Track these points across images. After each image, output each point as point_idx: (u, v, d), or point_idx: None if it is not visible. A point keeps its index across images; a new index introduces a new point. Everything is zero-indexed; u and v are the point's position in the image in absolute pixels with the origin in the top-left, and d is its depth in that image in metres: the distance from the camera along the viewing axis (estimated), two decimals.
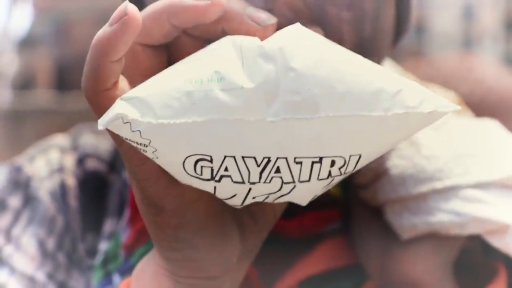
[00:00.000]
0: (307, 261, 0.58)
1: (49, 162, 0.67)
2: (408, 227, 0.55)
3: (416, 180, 0.55)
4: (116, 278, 0.60)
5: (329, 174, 0.43)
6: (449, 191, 0.54)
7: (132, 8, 0.40)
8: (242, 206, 0.46)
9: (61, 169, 0.66)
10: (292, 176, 0.43)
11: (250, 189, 0.43)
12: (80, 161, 0.67)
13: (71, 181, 0.66)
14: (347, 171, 0.44)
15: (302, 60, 0.40)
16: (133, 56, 0.46)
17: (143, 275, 0.50)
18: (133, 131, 0.40)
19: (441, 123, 0.58)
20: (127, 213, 0.62)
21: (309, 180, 0.43)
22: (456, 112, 0.63)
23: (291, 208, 0.56)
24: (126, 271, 0.59)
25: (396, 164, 0.56)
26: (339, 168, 0.43)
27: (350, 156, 0.43)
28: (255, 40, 0.42)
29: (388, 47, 0.57)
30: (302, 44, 0.41)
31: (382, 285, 0.56)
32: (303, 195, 0.45)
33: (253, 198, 0.44)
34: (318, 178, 0.43)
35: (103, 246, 0.63)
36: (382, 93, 0.41)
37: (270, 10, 0.49)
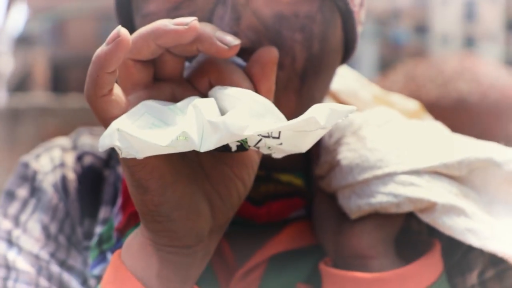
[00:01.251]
0: (276, 241, 0.69)
1: (52, 159, 0.79)
2: (355, 208, 0.66)
3: (361, 168, 0.66)
4: (109, 256, 0.71)
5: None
6: (387, 177, 0.66)
7: (124, 31, 0.53)
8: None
9: (62, 165, 0.78)
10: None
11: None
12: (79, 158, 0.79)
13: (71, 175, 0.78)
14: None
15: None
16: (126, 69, 0.57)
17: (131, 245, 0.61)
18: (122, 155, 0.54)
19: (385, 121, 0.70)
20: (119, 202, 0.74)
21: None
22: (415, 115, 0.79)
23: (262, 198, 0.71)
24: (116, 249, 0.70)
25: (346, 156, 0.67)
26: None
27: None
28: (211, 109, 0.54)
29: (336, 64, 0.69)
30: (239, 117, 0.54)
31: (336, 259, 0.67)
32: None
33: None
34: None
35: (98, 229, 0.74)
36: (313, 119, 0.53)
37: (235, 33, 0.61)
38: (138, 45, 0.57)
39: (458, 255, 0.72)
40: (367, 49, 52.13)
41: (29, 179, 0.78)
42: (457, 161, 0.67)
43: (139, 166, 0.57)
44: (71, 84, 36.10)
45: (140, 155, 0.53)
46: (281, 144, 0.53)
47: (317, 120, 0.51)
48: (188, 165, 0.60)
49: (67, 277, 0.74)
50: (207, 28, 0.58)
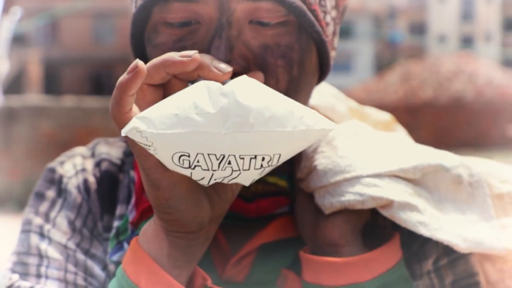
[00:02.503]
0: (264, 233, 0.85)
1: (75, 166, 0.94)
2: (328, 205, 0.81)
3: (333, 172, 0.82)
4: (126, 245, 0.88)
5: (261, 166, 0.71)
6: (355, 180, 0.81)
7: (141, 63, 0.70)
8: (208, 185, 0.74)
9: (83, 170, 0.93)
10: (238, 167, 0.71)
11: (212, 174, 0.71)
12: (97, 164, 0.95)
13: (91, 179, 0.93)
14: (273, 164, 0.72)
15: (244, 97, 0.69)
16: (141, 91, 0.74)
17: (147, 232, 0.77)
18: (142, 137, 0.69)
19: (354, 133, 0.85)
20: (132, 201, 0.90)
21: (249, 169, 0.71)
22: (387, 126, 0.96)
23: (251, 196, 0.87)
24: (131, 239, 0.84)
25: (321, 162, 0.83)
26: (268, 162, 0.71)
27: (273, 155, 0.71)
28: (218, 84, 0.70)
29: (313, 83, 0.87)
30: (245, 88, 0.69)
31: (313, 247, 0.82)
32: (246, 179, 0.72)
33: (215, 180, 0.72)
34: (254, 168, 0.71)
35: (116, 224, 0.90)
36: (292, 117, 0.70)
37: (229, 60, 0.78)
38: (151, 73, 0.74)
39: (416, 246, 0.87)
40: (363, 49, 52.23)
41: (56, 182, 0.93)
42: (412, 166, 0.82)
43: (153, 168, 0.73)
44: (64, 83, 36.12)
45: (159, 127, 0.68)
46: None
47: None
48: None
49: (90, 263, 0.88)
50: (205, 58, 0.75)
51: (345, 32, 47.89)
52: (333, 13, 0.86)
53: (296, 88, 0.82)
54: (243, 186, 0.81)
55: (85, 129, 12.74)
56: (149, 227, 0.77)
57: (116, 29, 36.13)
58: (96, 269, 0.89)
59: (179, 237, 0.76)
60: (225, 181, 0.73)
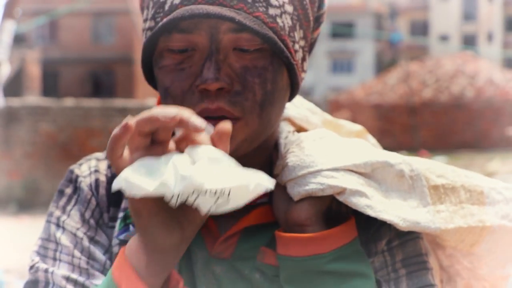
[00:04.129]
0: (247, 218, 1.07)
1: (90, 167, 1.17)
2: (296, 194, 1.03)
3: (300, 167, 1.03)
4: (131, 227, 1.10)
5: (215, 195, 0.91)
6: (317, 173, 1.02)
7: (130, 121, 0.90)
8: (176, 205, 0.93)
9: (96, 171, 1.16)
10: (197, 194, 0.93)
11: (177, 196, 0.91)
12: (109, 166, 1.17)
13: (102, 178, 1.16)
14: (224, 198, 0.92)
15: (200, 173, 0.89)
16: (131, 138, 0.92)
17: (131, 245, 0.98)
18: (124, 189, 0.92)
19: (319, 137, 1.08)
20: None
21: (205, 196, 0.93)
22: (359, 134, 1.20)
23: None
24: None
25: (291, 160, 1.05)
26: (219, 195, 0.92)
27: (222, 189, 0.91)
28: (184, 164, 0.90)
29: (286, 98, 1.09)
30: (206, 162, 0.91)
31: (285, 227, 1.04)
32: (204, 204, 0.93)
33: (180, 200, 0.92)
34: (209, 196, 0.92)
35: (120, 214, 1.13)
36: (245, 180, 0.90)
37: (217, 78, 1.00)
38: (140, 126, 0.91)
39: (373, 229, 1.09)
40: (365, 49, 52.16)
41: (73, 181, 1.16)
42: (363, 162, 1.03)
43: (135, 200, 0.94)
44: (63, 82, 36.11)
45: (138, 195, 0.90)
46: (218, 200, 0.91)
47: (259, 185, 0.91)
48: (166, 202, 0.94)
49: (93, 249, 1.11)
50: (185, 114, 0.91)
51: (347, 32, 47.81)
52: (302, 43, 1.09)
53: (270, 100, 1.04)
54: None
55: (84, 130, 12.74)
56: (133, 241, 0.98)
57: (115, 29, 36.13)
58: (98, 253, 1.11)
59: (155, 252, 0.96)
60: (189, 202, 0.92)
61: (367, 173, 1.03)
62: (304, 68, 1.11)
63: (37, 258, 1.10)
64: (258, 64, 1.02)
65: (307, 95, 30.40)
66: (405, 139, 20.59)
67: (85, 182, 1.14)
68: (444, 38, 51.73)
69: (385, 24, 54.02)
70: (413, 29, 53.82)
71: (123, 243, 1.10)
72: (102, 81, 35.68)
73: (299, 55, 1.08)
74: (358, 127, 1.20)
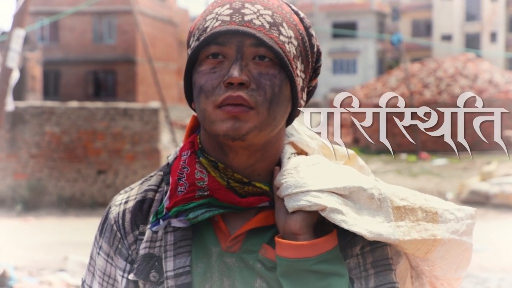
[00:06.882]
0: (252, 221, 1.37)
1: (122, 198, 1.45)
2: (290, 206, 1.32)
3: (295, 186, 1.33)
4: (161, 222, 1.37)
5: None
6: (306, 192, 1.32)
7: None
8: None
9: (126, 202, 1.44)
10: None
11: None
12: (141, 189, 1.46)
13: (130, 204, 1.44)
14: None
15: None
16: None
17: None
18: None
19: (313, 164, 1.37)
20: (168, 193, 1.39)
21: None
22: (350, 158, 1.49)
23: (244, 194, 1.37)
24: (165, 218, 1.36)
25: (288, 180, 1.34)
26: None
27: None
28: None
29: (288, 107, 1.37)
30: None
31: (283, 234, 1.33)
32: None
33: None
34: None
35: (147, 228, 1.40)
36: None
37: (239, 75, 1.31)
38: None
39: (350, 237, 1.36)
40: (367, 48, 51.94)
41: (106, 210, 1.46)
42: (343, 186, 1.33)
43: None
44: (65, 83, 35.99)
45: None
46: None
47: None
48: None
49: (114, 271, 1.43)
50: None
51: (349, 31, 47.63)
52: (302, 75, 1.39)
53: (277, 100, 1.34)
54: (239, 187, 1.37)
55: (88, 132, 12.81)
56: None
57: (117, 29, 36.03)
58: (117, 275, 1.42)
59: None
60: None
61: (345, 194, 1.33)
62: (303, 97, 1.41)
63: (85, 275, 1.47)
64: (269, 72, 1.33)
65: None
66: (405, 141, 20.57)
67: (113, 212, 1.43)
68: (447, 38, 51.47)
69: (388, 23, 53.79)
70: (415, 29, 53.59)
71: (154, 232, 1.39)
72: (103, 81, 35.54)
73: (299, 81, 1.38)
74: (350, 151, 1.49)
